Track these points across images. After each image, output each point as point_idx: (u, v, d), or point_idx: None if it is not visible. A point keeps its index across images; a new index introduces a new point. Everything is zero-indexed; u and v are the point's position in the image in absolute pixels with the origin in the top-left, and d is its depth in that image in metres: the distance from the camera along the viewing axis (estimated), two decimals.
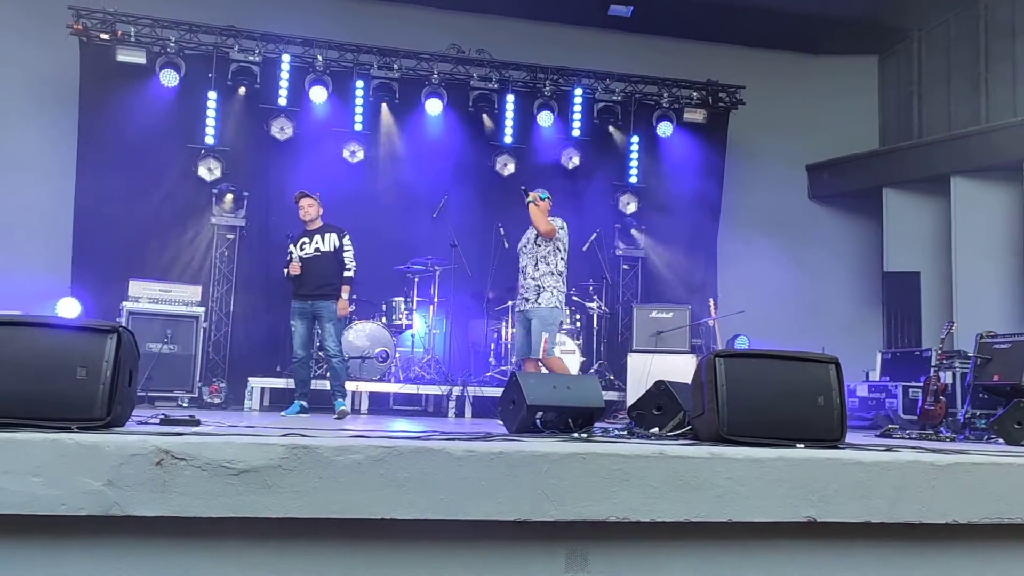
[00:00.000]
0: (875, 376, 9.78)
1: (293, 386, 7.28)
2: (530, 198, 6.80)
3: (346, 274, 7.09)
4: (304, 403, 7.08)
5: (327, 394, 7.41)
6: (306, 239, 7.10)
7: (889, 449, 3.35)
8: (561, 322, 7.45)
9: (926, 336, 10.64)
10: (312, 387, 7.42)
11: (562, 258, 6.85)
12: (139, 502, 2.41)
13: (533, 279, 6.75)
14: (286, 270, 7.14)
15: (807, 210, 11.84)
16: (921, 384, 7.91)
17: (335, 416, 6.72)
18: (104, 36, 9.27)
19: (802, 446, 3.21)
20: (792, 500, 2.79)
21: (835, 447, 3.34)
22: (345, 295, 7.09)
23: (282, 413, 7.03)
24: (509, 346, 9.38)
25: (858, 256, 11.69)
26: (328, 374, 7.18)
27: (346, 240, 7.12)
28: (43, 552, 2.44)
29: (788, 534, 2.83)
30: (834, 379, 3.56)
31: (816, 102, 11.58)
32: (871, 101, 12.13)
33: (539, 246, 6.80)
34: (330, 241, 7.06)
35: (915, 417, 7.97)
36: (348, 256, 7.12)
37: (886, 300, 11.44)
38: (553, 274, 6.75)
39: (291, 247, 7.15)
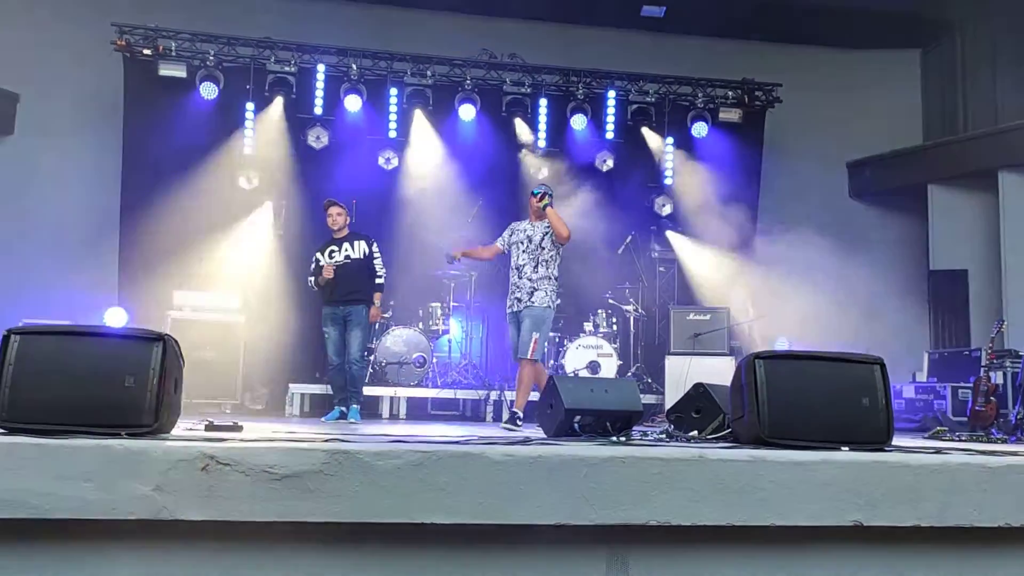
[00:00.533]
0: (922, 377, 9.60)
1: (332, 392, 7.35)
2: (545, 201, 6.53)
3: (378, 281, 7.22)
4: (344, 408, 7.12)
5: (373, 400, 7.48)
6: (335, 247, 7.19)
7: (938, 452, 3.28)
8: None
9: (975, 335, 10.41)
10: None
11: (559, 264, 6.70)
12: (186, 506, 2.46)
13: (530, 280, 6.50)
14: (312, 279, 7.21)
15: (848, 208, 11.65)
16: (971, 385, 7.75)
17: (347, 423, 6.76)
18: (146, 51, 9.46)
19: (847, 449, 3.16)
20: (838, 504, 2.75)
21: (882, 450, 3.29)
22: (378, 302, 7.22)
23: (322, 419, 7.10)
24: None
25: (902, 254, 11.47)
26: (347, 379, 7.19)
27: (375, 247, 7.23)
28: (95, 556, 2.50)
29: (834, 539, 2.79)
30: (879, 380, 3.50)
31: (856, 98, 11.40)
32: (913, 96, 11.90)
33: (543, 248, 6.56)
34: (360, 248, 7.16)
35: (965, 419, 7.81)
36: (378, 263, 7.23)
37: (932, 299, 11.22)
38: (550, 279, 6.56)
39: (318, 255, 7.24)
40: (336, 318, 7.10)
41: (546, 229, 6.59)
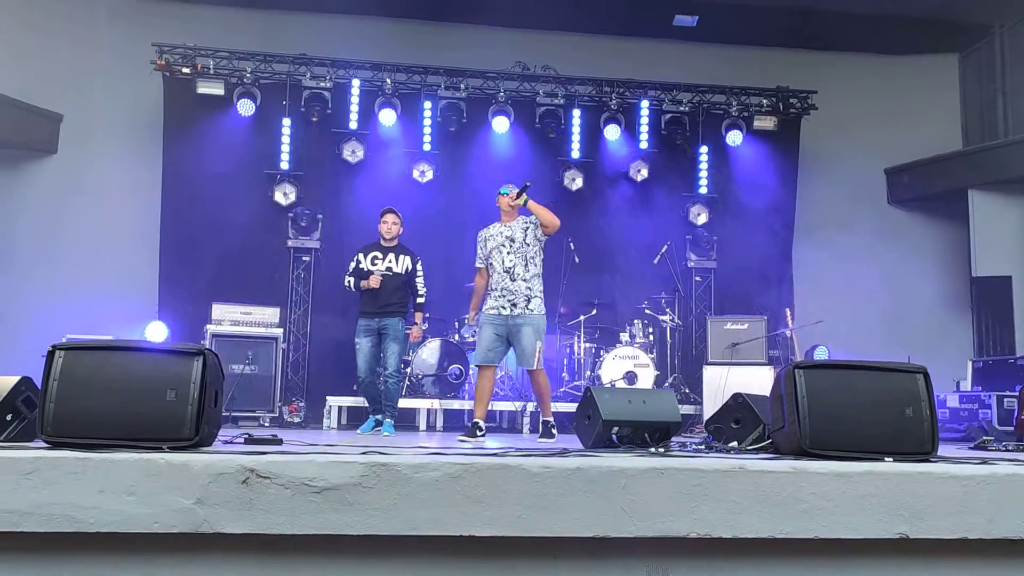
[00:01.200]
0: (966, 386, 9.40)
1: (367, 404, 7.34)
2: (524, 197, 6.21)
3: (419, 300, 7.12)
4: (379, 417, 7.13)
5: (410, 412, 7.45)
6: (378, 254, 7.06)
7: (985, 462, 3.21)
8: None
9: (1020, 343, 10.18)
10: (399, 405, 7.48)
11: (543, 258, 6.34)
12: (227, 519, 2.48)
13: (524, 281, 6.13)
14: (350, 280, 7.03)
15: (887, 215, 11.48)
16: (1016, 393, 7.56)
17: (383, 435, 6.67)
18: (185, 70, 9.64)
19: (891, 460, 3.11)
20: (882, 516, 2.70)
21: (926, 460, 3.22)
22: (419, 320, 7.14)
23: (357, 431, 7.10)
24: (580, 361, 9.35)
25: (944, 261, 11.27)
26: (381, 392, 7.06)
27: (419, 266, 7.12)
28: (137, 569, 2.53)
29: (879, 551, 2.74)
30: (923, 389, 3.44)
31: (893, 104, 11.25)
32: (952, 101, 11.71)
33: (528, 245, 6.19)
34: (403, 263, 7.05)
35: (1011, 428, 7.62)
36: (420, 282, 7.12)
37: (975, 306, 11.00)
38: (539, 276, 6.25)
39: (360, 255, 7.11)
40: (371, 330, 6.97)
41: (525, 225, 6.24)
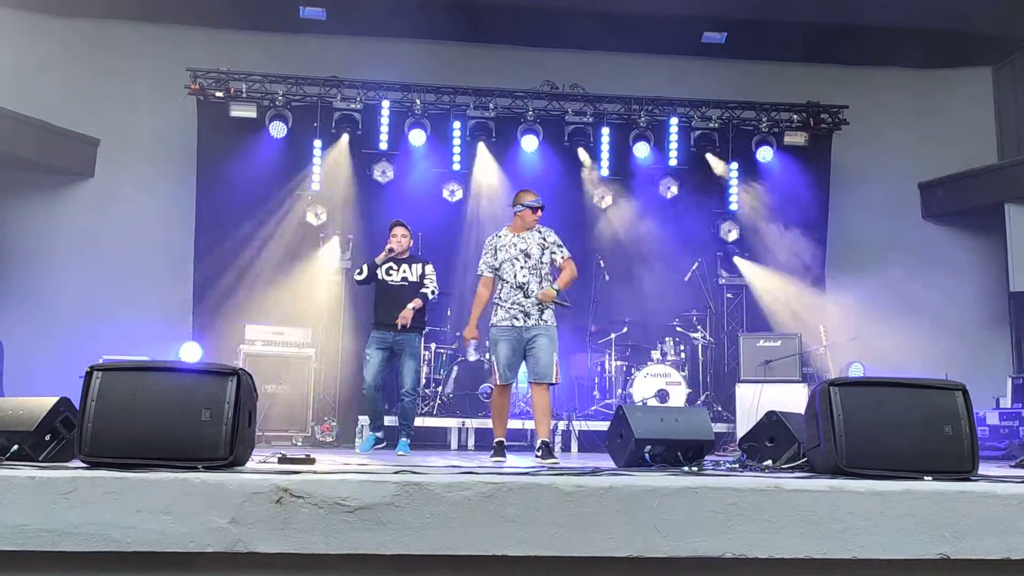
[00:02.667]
0: (1006, 403, 9.22)
1: (369, 418, 7.24)
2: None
3: (423, 291, 6.87)
4: (380, 435, 7.05)
5: (441, 431, 7.30)
6: (393, 265, 6.99)
7: None
8: None
9: None
10: (417, 423, 7.43)
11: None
12: (261, 539, 2.49)
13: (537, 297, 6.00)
14: (363, 267, 6.92)
15: (921, 230, 11.33)
16: None
17: (398, 455, 6.56)
18: (219, 94, 9.80)
19: (930, 478, 3.05)
20: (922, 536, 2.65)
21: (967, 479, 3.16)
22: (415, 304, 6.77)
23: (356, 448, 6.96)
24: (611, 379, 9.30)
25: (980, 276, 11.08)
26: (397, 411, 6.98)
27: (429, 268, 7.01)
28: None
29: (919, 572, 2.68)
30: (962, 407, 3.38)
31: (926, 118, 11.14)
32: (986, 114, 11.56)
33: (543, 264, 6.07)
34: (416, 272, 6.97)
35: None
36: (430, 279, 6.94)
37: (1014, 322, 10.79)
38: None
39: (377, 259, 6.96)
40: (384, 343, 6.79)
41: (542, 243, 6.08)
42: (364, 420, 8.61)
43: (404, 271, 6.96)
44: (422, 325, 7.03)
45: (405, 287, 6.89)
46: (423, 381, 8.89)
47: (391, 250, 6.90)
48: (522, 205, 6.15)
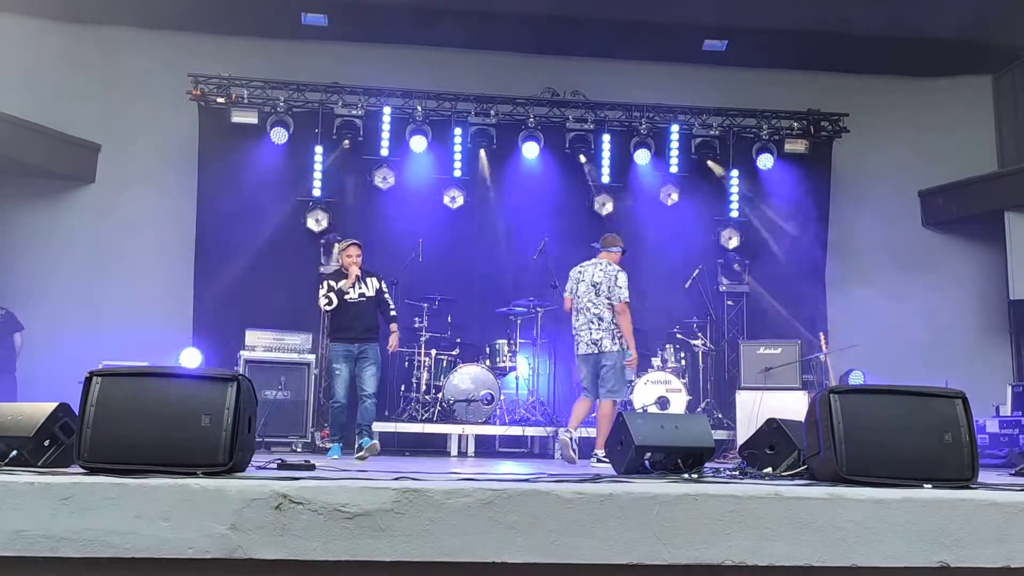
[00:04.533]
0: (1006, 411, 9.20)
1: (352, 428, 7.31)
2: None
3: (392, 313, 7.36)
4: (339, 444, 7.18)
5: (441, 438, 7.31)
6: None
7: None
8: None
9: None
10: (416, 430, 7.45)
11: None
12: (260, 545, 2.49)
13: (611, 323, 6.86)
14: (330, 296, 7.07)
15: (922, 238, 11.33)
16: None
17: (357, 456, 6.73)
18: (220, 100, 9.81)
19: (929, 486, 3.05)
20: (922, 544, 2.65)
21: (967, 487, 3.16)
22: (395, 329, 7.37)
23: (329, 455, 7.05)
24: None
25: (980, 284, 11.09)
26: (359, 413, 7.15)
27: (384, 284, 7.37)
28: None
29: None
30: (962, 415, 3.38)
31: (926, 126, 11.16)
32: (986, 122, 11.58)
33: (609, 300, 6.88)
34: (372, 285, 7.25)
35: None
36: (389, 298, 7.38)
37: (1014, 330, 10.78)
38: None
39: (330, 282, 7.17)
40: (349, 355, 7.12)
41: (610, 284, 6.90)
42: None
43: (361, 287, 7.20)
44: (378, 334, 7.33)
45: (363, 302, 7.19)
46: (424, 387, 8.90)
47: (358, 277, 7.18)
48: (619, 247, 7.25)
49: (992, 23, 10.14)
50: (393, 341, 7.36)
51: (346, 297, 7.13)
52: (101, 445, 3.05)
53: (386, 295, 7.36)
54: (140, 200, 10.17)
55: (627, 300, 6.87)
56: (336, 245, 7.91)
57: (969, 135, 11.36)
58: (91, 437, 3.06)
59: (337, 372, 7.10)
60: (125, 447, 3.03)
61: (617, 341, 6.83)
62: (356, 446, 7.01)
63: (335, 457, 6.91)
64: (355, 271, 7.14)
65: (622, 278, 6.93)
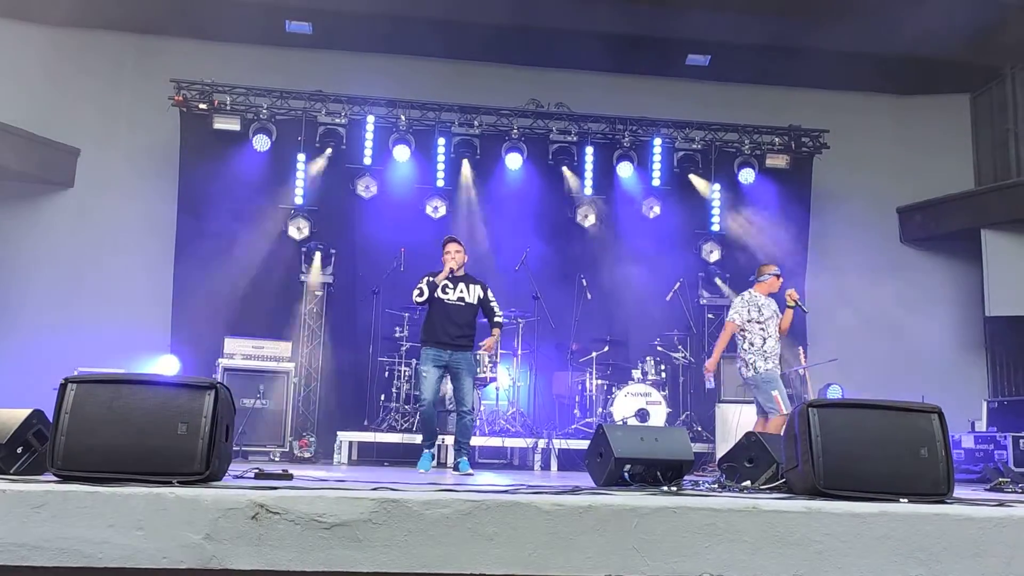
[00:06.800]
0: (981, 426, 9.31)
1: (421, 438, 7.06)
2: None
3: (497, 319, 6.99)
4: (433, 451, 6.89)
5: (415, 448, 7.24)
6: (449, 283, 6.80)
7: (1001, 504, 3.17)
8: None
9: None
10: (397, 440, 7.35)
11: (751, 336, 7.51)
12: (236, 555, 2.46)
13: (743, 348, 7.42)
14: (422, 287, 6.71)
15: (900, 254, 11.44)
16: None
17: (460, 474, 6.46)
18: (202, 106, 9.77)
19: (905, 500, 3.07)
20: (898, 558, 2.66)
21: (942, 502, 3.18)
22: (496, 334, 7.04)
23: (419, 469, 6.64)
24: (592, 398, 9.30)
25: (957, 300, 11.21)
26: (457, 429, 6.88)
27: (490, 293, 6.96)
28: None
29: None
30: (938, 430, 3.41)
31: (905, 143, 11.29)
32: (964, 140, 11.73)
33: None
34: (475, 293, 6.84)
35: None
36: (495, 305, 6.97)
37: (990, 346, 10.91)
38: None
39: (429, 278, 6.79)
40: (440, 360, 6.68)
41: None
42: (343, 436, 8.58)
43: (461, 290, 6.82)
44: (474, 343, 6.93)
45: (462, 307, 6.78)
46: (404, 397, 8.87)
47: (451, 270, 6.78)
48: (769, 274, 7.66)
49: (970, 43, 10.28)
50: (488, 341, 7.02)
51: (443, 297, 6.72)
52: (75, 453, 3.01)
53: (492, 303, 6.93)
54: (119, 205, 10.09)
55: (731, 319, 7.51)
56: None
57: (947, 153, 11.50)
58: (65, 444, 3.02)
59: (424, 375, 6.66)
60: (99, 455, 2.99)
61: (751, 367, 7.33)
62: (454, 464, 6.89)
63: (422, 471, 6.56)
64: (451, 265, 6.73)
65: (735, 300, 7.68)
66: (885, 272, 11.01)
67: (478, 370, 9.03)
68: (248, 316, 9.46)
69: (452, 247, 6.87)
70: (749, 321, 7.40)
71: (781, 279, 7.73)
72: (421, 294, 6.72)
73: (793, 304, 7.65)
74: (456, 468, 6.74)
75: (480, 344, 7.09)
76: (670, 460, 4.36)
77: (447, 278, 6.78)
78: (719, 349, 7.64)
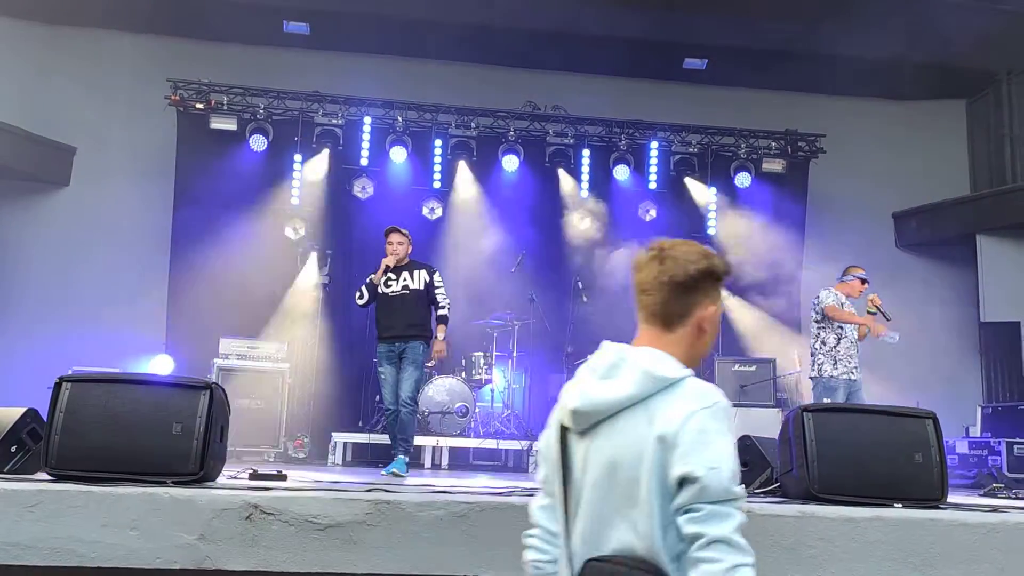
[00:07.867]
0: (975, 432, 9.32)
1: (388, 440, 6.58)
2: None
3: (440, 312, 6.52)
4: (404, 457, 6.27)
5: (416, 449, 7.18)
6: (392, 275, 6.53)
7: (995, 510, 3.17)
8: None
9: None
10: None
11: (825, 333, 7.31)
12: (229, 556, 2.46)
13: (814, 347, 7.25)
14: (362, 290, 6.52)
15: (895, 259, 11.45)
16: None
17: (385, 475, 5.89)
18: (199, 105, 9.75)
19: (900, 505, 3.07)
20: (891, 563, 2.67)
21: (936, 507, 3.19)
22: (441, 335, 6.51)
23: (382, 471, 6.18)
24: None
25: (952, 306, 11.21)
26: (392, 423, 6.37)
27: (437, 277, 6.59)
28: None
29: None
30: (932, 435, 3.42)
31: (901, 148, 11.30)
32: (960, 146, 11.76)
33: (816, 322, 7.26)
34: (420, 278, 6.51)
35: (1022, 476, 7.54)
36: (440, 293, 6.54)
37: (984, 352, 10.93)
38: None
39: (372, 277, 6.55)
40: (392, 356, 6.37)
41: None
42: (338, 437, 8.57)
43: (404, 279, 6.50)
44: (427, 331, 6.55)
45: (407, 295, 6.46)
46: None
47: (387, 267, 6.49)
48: (854, 276, 7.46)
49: (967, 49, 10.32)
50: (437, 346, 6.49)
51: (387, 291, 6.41)
52: (69, 452, 3.00)
53: (437, 289, 6.51)
54: (115, 204, 10.07)
55: (825, 304, 7.23)
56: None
57: (943, 158, 11.53)
58: (59, 444, 3.01)
59: (382, 376, 6.35)
60: (94, 454, 2.98)
61: (816, 368, 7.09)
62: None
63: (397, 472, 5.93)
64: (387, 260, 6.44)
65: (820, 293, 7.39)
66: (880, 277, 10.98)
67: (474, 372, 9.04)
68: (243, 316, 9.42)
69: (394, 237, 6.55)
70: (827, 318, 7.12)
71: (867, 284, 7.41)
72: (361, 296, 6.54)
73: (874, 310, 7.23)
74: (384, 469, 6.16)
75: (432, 353, 6.60)
76: None
77: (389, 269, 6.50)
78: (857, 319, 7.28)
